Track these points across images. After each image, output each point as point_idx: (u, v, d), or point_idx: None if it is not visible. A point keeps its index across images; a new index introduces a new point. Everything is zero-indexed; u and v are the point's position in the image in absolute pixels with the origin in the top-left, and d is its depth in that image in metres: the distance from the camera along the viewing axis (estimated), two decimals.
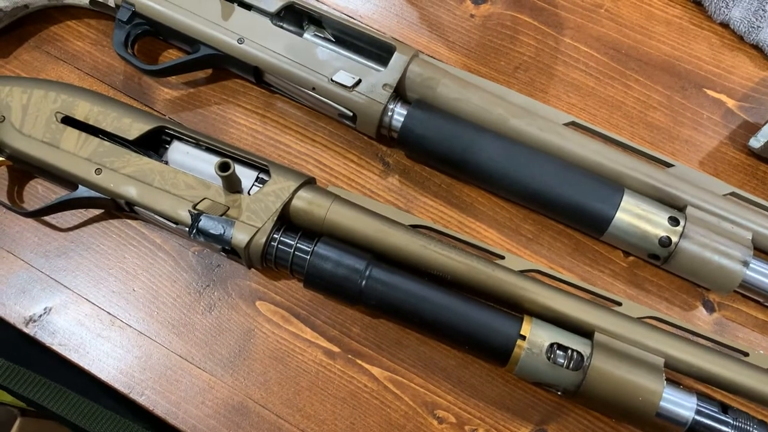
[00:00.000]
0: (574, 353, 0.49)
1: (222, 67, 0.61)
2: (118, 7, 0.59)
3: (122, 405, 0.62)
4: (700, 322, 0.56)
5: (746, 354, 0.51)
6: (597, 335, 0.50)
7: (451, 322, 0.51)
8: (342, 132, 0.60)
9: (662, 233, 0.53)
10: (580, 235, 0.58)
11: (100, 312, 0.55)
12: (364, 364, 0.54)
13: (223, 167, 0.50)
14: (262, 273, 0.56)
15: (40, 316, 0.55)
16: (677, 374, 0.51)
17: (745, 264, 0.52)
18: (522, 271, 0.53)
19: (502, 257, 0.54)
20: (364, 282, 0.51)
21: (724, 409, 0.49)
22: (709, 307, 0.56)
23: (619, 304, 0.53)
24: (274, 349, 0.54)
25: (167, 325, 0.55)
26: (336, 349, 0.55)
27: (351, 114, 0.57)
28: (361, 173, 0.60)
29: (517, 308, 0.52)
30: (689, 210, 0.54)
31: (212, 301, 0.56)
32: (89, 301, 0.56)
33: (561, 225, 0.58)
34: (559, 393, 0.51)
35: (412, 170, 0.60)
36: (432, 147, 0.56)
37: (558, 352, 0.49)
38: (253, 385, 0.54)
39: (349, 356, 0.54)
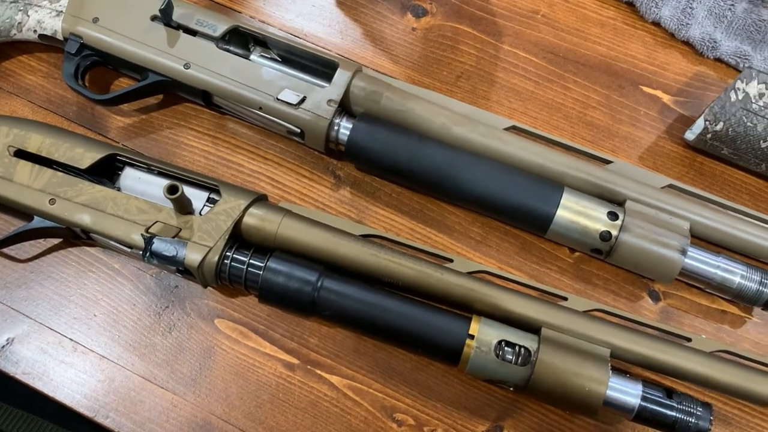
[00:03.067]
0: (522, 349, 0.51)
1: (172, 92, 0.63)
2: (66, 40, 0.61)
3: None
4: (647, 311, 0.57)
5: (689, 339, 0.53)
6: (544, 330, 0.52)
7: (403, 326, 0.52)
8: (293, 149, 0.62)
9: (602, 228, 0.55)
10: (526, 234, 0.59)
11: (62, 339, 0.56)
12: (323, 374, 0.56)
13: (171, 190, 0.51)
14: (219, 291, 0.58)
15: (3, 346, 0.56)
16: (625, 363, 0.52)
17: (684, 252, 0.54)
18: (470, 273, 0.55)
19: (451, 260, 0.55)
20: (316, 293, 0.52)
21: (669, 393, 0.50)
22: (655, 297, 0.58)
23: (565, 299, 0.54)
24: (235, 365, 0.56)
25: (128, 347, 0.56)
26: (295, 360, 0.56)
27: (299, 131, 0.59)
28: (313, 187, 0.61)
29: (467, 309, 0.53)
30: (628, 204, 0.56)
31: (172, 321, 0.57)
32: (51, 329, 0.57)
33: (508, 226, 0.60)
34: (511, 389, 0.52)
35: (362, 182, 0.61)
36: (378, 158, 0.58)
37: (506, 348, 0.51)
38: (215, 401, 0.55)
39: (308, 367, 0.56)
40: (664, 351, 0.52)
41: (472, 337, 0.51)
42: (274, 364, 0.56)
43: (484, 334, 0.51)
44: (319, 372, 0.56)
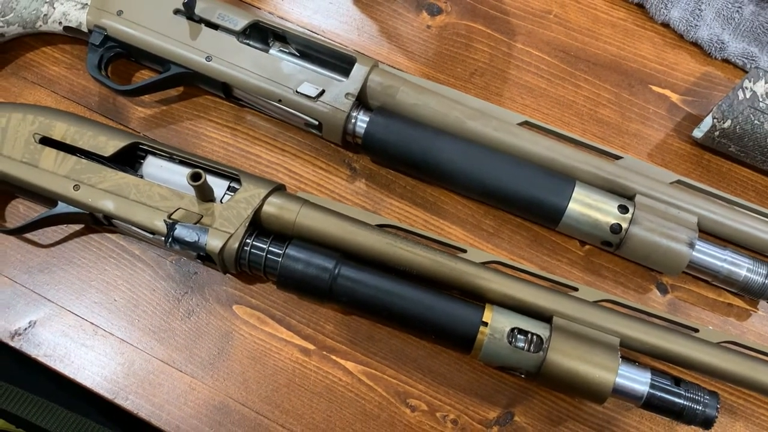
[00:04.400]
0: (534, 336, 0.52)
1: (192, 84, 0.64)
2: (90, 32, 0.62)
3: (111, 420, 0.64)
4: (655, 303, 0.59)
5: (696, 330, 0.55)
6: (555, 319, 0.53)
7: (418, 313, 0.53)
8: (310, 141, 0.63)
9: (613, 221, 0.56)
10: (537, 227, 0.61)
11: (83, 322, 0.58)
12: (338, 360, 0.57)
13: (195, 177, 0.52)
14: (237, 278, 0.59)
15: (25, 329, 0.57)
16: (633, 353, 0.54)
17: (692, 246, 0.55)
18: (483, 263, 0.56)
19: (464, 251, 0.57)
20: (333, 280, 0.54)
21: (677, 382, 0.52)
22: (663, 289, 0.59)
23: (576, 289, 0.56)
24: (252, 350, 0.57)
25: (148, 332, 0.57)
26: (311, 346, 0.57)
27: (317, 123, 0.60)
28: (329, 179, 0.63)
29: (480, 298, 0.54)
30: (638, 198, 0.57)
31: (191, 306, 0.58)
32: (72, 312, 0.58)
33: (519, 219, 0.61)
34: (522, 376, 0.54)
35: (378, 174, 0.63)
36: (394, 151, 0.59)
37: (519, 336, 0.52)
38: (232, 385, 0.56)
39: (324, 353, 0.57)
40: (672, 341, 0.53)
41: (485, 324, 0.52)
42: (290, 349, 0.57)
43: (497, 322, 0.52)
44: (334, 358, 0.57)
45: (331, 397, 0.56)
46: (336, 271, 0.54)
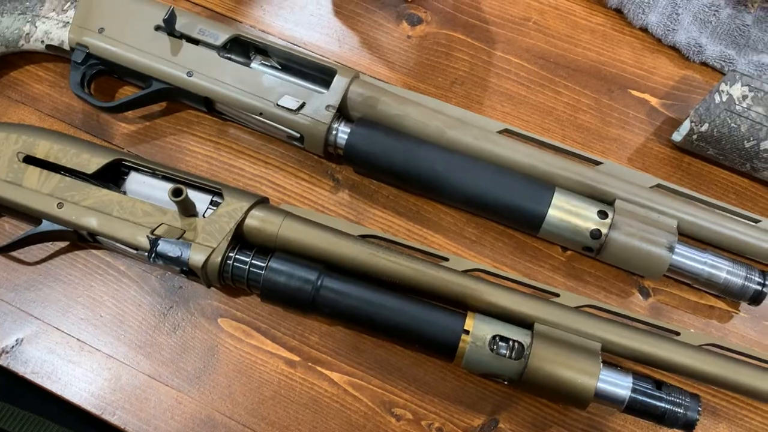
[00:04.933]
0: (516, 344, 0.53)
1: (175, 99, 0.64)
2: (72, 50, 0.63)
3: None
4: (637, 307, 0.59)
5: (678, 333, 0.55)
6: (537, 325, 0.54)
7: (400, 323, 0.54)
8: (293, 153, 0.64)
9: (592, 226, 0.56)
10: (519, 234, 0.61)
11: (69, 339, 0.58)
12: (323, 370, 0.57)
13: (176, 193, 0.53)
14: (222, 291, 0.59)
15: (12, 347, 0.58)
16: (616, 357, 0.54)
17: (671, 249, 0.56)
18: (465, 271, 0.57)
19: (447, 259, 0.57)
20: (316, 292, 0.54)
21: (658, 385, 0.52)
22: (645, 293, 0.60)
23: (557, 295, 0.56)
24: (238, 363, 0.57)
25: (134, 347, 0.58)
26: (296, 358, 0.58)
27: (298, 135, 0.61)
28: (312, 190, 0.63)
29: (462, 306, 0.55)
30: (618, 203, 0.58)
31: (176, 321, 0.59)
32: (59, 329, 0.58)
33: (501, 226, 0.61)
34: (505, 382, 0.54)
35: (360, 184, 0.63)
36: (375, 161, 0.60)
37: (500, 343, 0.53)
38: (219, 398, 0.56)
39: (309, 364, 0.57)
40: (653, 344, 0.54)
41: (467, 332, 0.53)
42: (276, 361, 0.57)
43: (478, 330, 0.53)
44: (319, 369, 0.57)
45: (317, 408, 0.56)
46: (319, 282, 0.54)
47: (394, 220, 0.62)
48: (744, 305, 0.59)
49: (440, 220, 0.62)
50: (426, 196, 0.63)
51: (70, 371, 0.57)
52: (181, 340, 0.58)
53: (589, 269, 0.60)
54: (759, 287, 0.56)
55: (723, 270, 0.56)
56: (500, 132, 0.61)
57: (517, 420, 0.56)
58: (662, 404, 0.51)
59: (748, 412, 0.56)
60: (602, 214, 0.57)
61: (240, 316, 0.59)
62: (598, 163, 0.60)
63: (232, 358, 0.57)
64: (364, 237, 0.58)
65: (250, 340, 0.58)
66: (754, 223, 0.59)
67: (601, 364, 0.52)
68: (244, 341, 0.58)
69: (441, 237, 0.62)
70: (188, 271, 0.55)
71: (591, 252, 0.58)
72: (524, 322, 0.54)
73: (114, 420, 0.56)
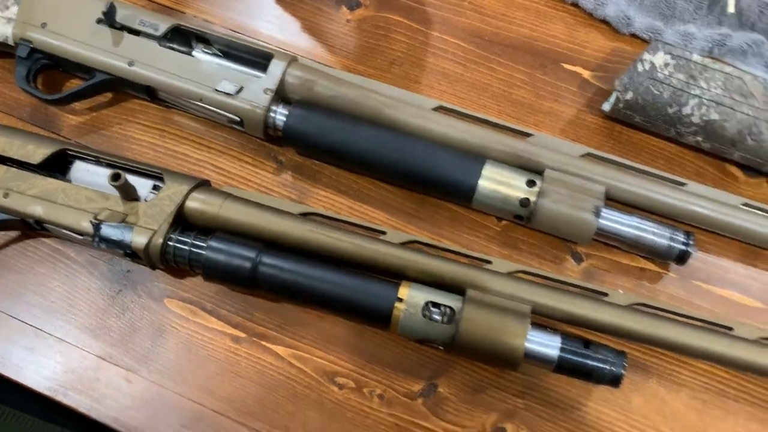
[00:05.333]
0: (448, 309, 0.54)
1: (119, 89, 0.66)
2: (17, 45, 0.64)
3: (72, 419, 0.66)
4: (570, 272, 0.61)
5: (606, 294, 0.57)
6: (469, 291, 0.55)
7: (338, 294, 0.56)
8: (236, 137, 0.66)
9: (522, 195, 0.58)
10: (456, 207, 0.63)
11: (21, 325, 0.60)
12: (268, 345, 0.59)
13: (115, 177, 0.55)
14: (168, 273, 0.61)
15: None
16: (548, 320, 0.56)
17: (597, 214, 0.57)
18: (402, 243, 0.59)
19: (384, 233, 0.59)
20: (255, 268, 0.56)
21: (586, 344, 0.54)
22: (578, 258, 0.62)
23: (489, 262, 0.58)
24: (185, 341, 0.59)
25: (85, 330, 0.59)
26: (242, 334, 0.59)
27: (238, 119, 0.62)
28: (256, 173, 0.65)
29: (400, 277, 0.57)
30: (547, 172, 0.60)
31: (125, 303, 0.60)
32: (11, 316, 0.60)
33: (439, 200, 0.63)
34: (441, 347, 0.56)
35: (303, 165, 0.65)
36: (314, 141, 0.62)
37: (433, 309, 0.54)
38: (167, 375, 0.58)
39: (254, 339, 0.59)
40: (582, 306, 0.56)
41: (401, 300, 0.55)
42: (222, 338, 0.59)
43: (412, 297, 0.55)
44: (264, 344, 0.59)
45: (263, 381, 0.58)
46: (258, 259, 0.56)
47: (337, 198, 0.64)
48: (673, 266, 0.61)
49: (381, 197, 0.64)
50: (366, 174, 0.64)
51: (23, 356, 0.59)
52: (129, 322, 0.60)
53: (523, 237, 0.62)
54: (683, 247, 0.57)
55: (649, 232, 0.58)
56: (435, 109, 0.63)
57: (455, 383, 0.58)
58: (590, 362, 0.53)
59: (677, 367, 0.58)
60: (531, 183, 0.59)
61: (186, 297, 0.60)
62: (528, 135, 0.62)
63: (180, 337, 0.59)
64: (304, 215, 0.60)
65: (196, 319, 0.60)
66: (680, 186, 0.61)
67: (530, 326, 0.54)
68: (190, 320, 0.60)
69: (382, 213, 0.63)
70: (132, 253, 0.57)
71: (522, 220, 0.60)
72: (458, 289, 0.56)
73: (66, 401, 0.58)
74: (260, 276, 0.56)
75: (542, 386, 0.58)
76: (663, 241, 0.58)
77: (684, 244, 0.58)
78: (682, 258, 0.58)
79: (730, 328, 0.56)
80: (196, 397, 0.58)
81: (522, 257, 0.62)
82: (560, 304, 0.56)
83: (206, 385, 0.58)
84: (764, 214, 0.60)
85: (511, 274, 0.58)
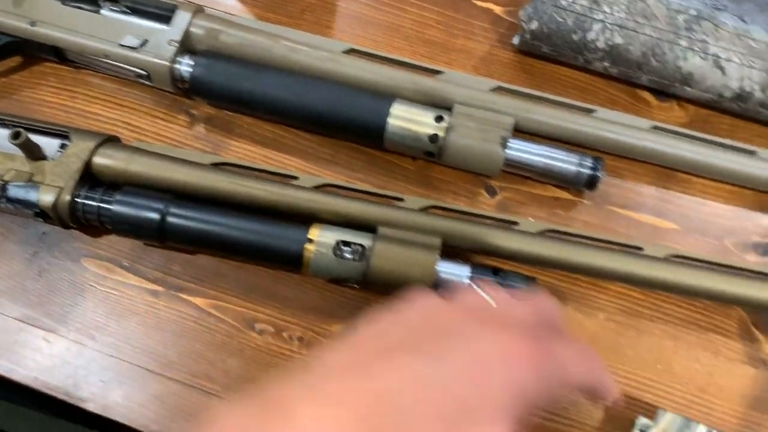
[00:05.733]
0: (359, 247, 0.55)
1: (27, 52, 0.65)
2: None
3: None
4: (485, 206, 0.61)
5: (516, 223, 0.57)
6: (380, 229, 0.56)
7: (249, 241, 0.55)
8: (148, 94, 0.65)
9: (430, 131, 0.58)
10: (372, 149, 0.63)
11: None
12: (187, 297, 0.59)
13: (15, 135, 0.54)
14: (84, 233, 0.60)
15: None
16: (462, 252, 0.56)
17: (504, 145, 0.58)
18: (315, 187, 0.59)
19: (296, 178, 0.59)
20: (164, 220, 0.55)
21: (495, 272, 0.55)
22: (492, 192, 0.62)
23: (402, 200, 0.58)
24: (104, 299, 0.59)
25: (2, 294, 0.59)
26: (160, 288, 0.59)
27: (145, 73, 0.62)
28: (169, 128, 0.64)
29: (314, 221, 0.57)
30: (455, 107, 0.59)
31: (42, 265, 0.60)
32: None
33: (354, 143, 0.63)
34: (355, 286, 0.56)
35: (216, 117, 0.64)
36: (221, 90, 0.61)
37: (344, 248, 0.55)
38: (87, 334, 0.58)
39: (172, 292, 0.59)
40: (492, 235, 0.56)
41: (311, 241, 0.55)
42: (140, 293, 0.59)
43: (322, 238, 0.55)
44: (183, 296, 0.59)
45: (182, 332, 0.58)
46: (166, 210, 0.56)
47: (252, 148, 0.64)
48: (587, 194, 0.61)
49: (297, 145, 0.64)
50: (279, 122, 0.64)
51: None
52: (47, 283, 0.59)
53: (438, 175, 0.62)
54: (592, 172, 0.58)
55: (557, 159, 0.58)
56: (346, 52, 0.63)
57: None
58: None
59: (592, 292, 0.58)
60: (439, 119, 0.58)
61: (103, 255, 0.60)
62: (438, 72, 0.62)
63: (98, 295, 0.59)
64: (215, 165, 0.60)
65: (114, 276, 0.60)
66: (588, 113, 0.61)
67: (439, 258, 0.54)
68: (108, 278, 0.59)
69: (299, 160, 0.63)
70: (42, 213, 0.56)
71: (433, 157, 0.60)
72: (371, 229, 0.56)
73: None
74: (169, 227, 0.56)
75: None
76: (571, 168, 0.58)
77: (592, 169, 0.58)
78: (591, 183, 0.58)
79: (640, 248, 0.56)
80: (117, 352, 0.58)
81: (438, 194, 0.62)
82: (470, 234, 0.56)
83: (127, 340, 0.58)
84: (674, 135, 0.60)
85: (422, 210, 0.58)
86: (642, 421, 0.53)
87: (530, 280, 0.54)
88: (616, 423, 0.55)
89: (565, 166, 0.58)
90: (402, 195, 0.58)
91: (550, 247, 0.56)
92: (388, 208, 0.57)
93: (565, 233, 0.57)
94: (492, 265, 0.55)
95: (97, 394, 0.57)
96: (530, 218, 0.60)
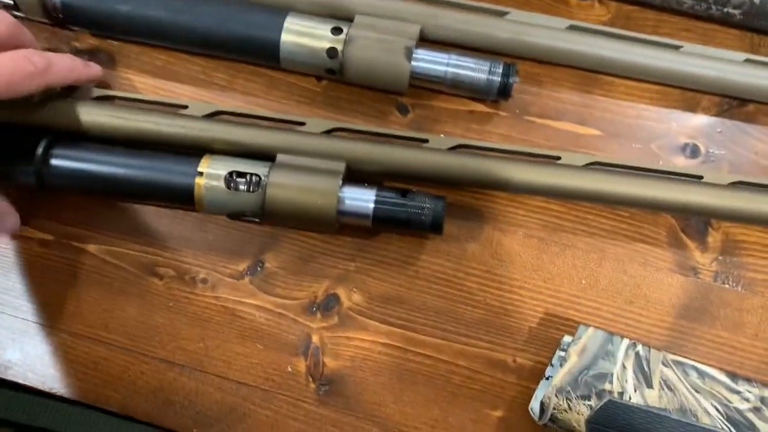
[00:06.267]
0: (253, 176, 0.50)
1: None
2: None
3: None
4: (397, 125, 0.57)
5: (426, 140, 0.53)
6: (278, 156, 0.51)
7: (137, 178, 0.51)
8: (33, 30, 0.58)
9: (327, 45, 0.53)
10: (271, 71, 0.58)
11: None
12: (78, 245, 0.55)
13: None
14: None
15: None
16: (370, 177, 0.52)
17: (409, 56, 0.53)
18: (206, 116, 0.54)
19: (185, 107, 0.54)
20: (44, 162, 0.51)
21: (404, 193, 0.51)
22: (403, 110, 0.57)
23: (303, 123, 0.54)
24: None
25: None
26: (50, 237, 0.55)
27: (11, 2, 0.55)
28: None
29: (208, 152, 0.52)
30: (357, 18, 0.54)
31: None
32: None
33: (253, 65, 0.58)
34: (256, 220, 0.52)
35: (100, 48, 0.59)
36: (97, 16, 0.55)
37: (238, 179, 0.50)
38: None
39: (63, 241, 0.55)
40: (398, 155, 0.52)
41: (201, 174, 0.50)
42: (28, 244, 0.55)
43: (213, 169, 0.51)
44: (75, 244, 0.55)
45: (75, 281, 0.54)
46: (44, 153, 0.51)
47: (141, 79, 0.58)
48: (504, 105, 0.57)
49: (188, 71, 0.58)
50: (168, 47, 0.58)
51: None
52: None
53: (345, 96, 0.57)
54: (503, 79, 0.53)
55: (466, 68, 0.54)
56: None
57: (283, 257, 0.54)
58: (407, 209, 0.50)
59: (510, 209, 0.55)
60: (336, 31, 0.53)
61: None
62: None
63: None
64: (97, 99, 0.54)
65: None
66: (501, 16, 0.56)
67: (342, 183, 0.50)
68: None
69: (190, 88, 0.58)
70: None
71: (335, 74, 0.55)
72: (270, 157, 0.52)
73: None
74: (48, 171, 0.51)
75: (373, 246, 0.54)
76: (481, 76, 0.53)
77: (504, 75, 0.53)
78: (504, 91, 0.54)
79: (558, 158, 0.53)
80: (6, 308, 0.54)
81: (346, 116, 0.57)
82: (376, 156, 0.52)
83: (17, 295, 0.54)
84: (593, 34, 0.56)
85: (325, 133, 0.53)
86: (565, 339, 0.50)
87: (439, 199, 0.50)
88: (541, 343, 0.53)
89: (474, 74, 0.54)
90: (304, 118, 0.53)
91: (461, 163, 0.52)
92: (287, 134, 0.53)
93: (477, 147, 0.53)
94: (400, 187, 0.51)
95: None
96: (442, 135, 0.56)
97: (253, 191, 0.50)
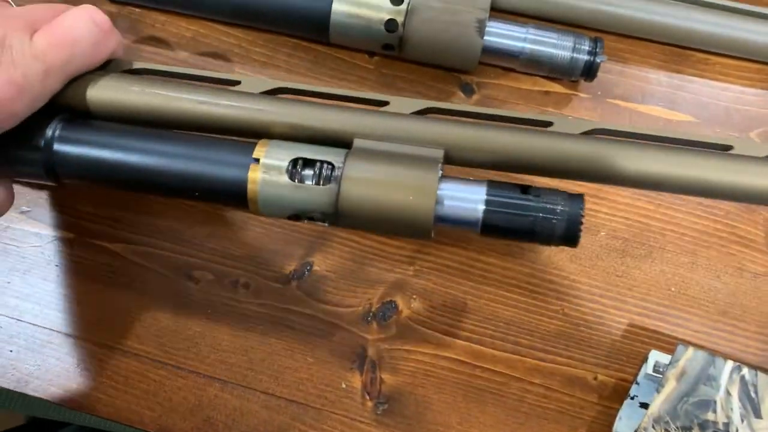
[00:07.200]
0: (324, 165, 0.40)
1: None
2: None
3: None
4: None
5: (550, 123, 0.42)
6: (356, 141, 0.42)
7: (173, 170, 0.42)
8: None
9: (386, 16, 0.46)
10: (318, 46, 0.51)
11: None
12: (103, 244, 0.49)
13: None
14: None
15: None
16: (474, 170, 0.43)
17: (481, 30, 0.46)
18: (263, 93, 0.46)
19: (238, 82, 0.46)
20: (52, 148, 0.43)
21: (525, 190, 0.39)
22: (468, 90, 0.50)
23: (387, 103, 0.44)
24: (18, 255, 0.48)
25: None
26: (72, 235, 0.49)
27: None
28: None
29: (266, 136, 0.44)
30: None
31: None
32: None
33: (292, 39, 0.51)
34: (325, 224, 0.42)
35: (121, 15, 0.52)
36: None
37: (305, 172, 0.41)
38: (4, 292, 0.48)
39: (87, 239, 0.49)
40: (520, 141, 0.41)
41: (257, 161, 0.41)
42: (46, 243, 0.49)
43: (272, 156, 0.41)
44: (98, 242, 0.49)
45: (102, 286, 0.48)
46: (53, 135, 0.43)
47: (167, 52, 0.51)
48: (584, 85, 0.50)
49: (221, 44, 0.51)
50: (198, 16, 0.51)
51: None
52: None
53: (401, 74, 0.50)
54: (590, 57, 0.46)
55: (547, 44, 0.47)
56: None
57: (333, 259, 0.48)
58: (530, 213, 0.38)
59: (593, 204, 0.49)
60: (397, 1, 0.46)
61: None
62: None
63: (9, 251, 0.49)
64: (128, 72, 0.47)
65: (12, 225, 0.49)
66: None
67: (441, 176, 0.40)
68: (7, 227, 0.49)
69: (224, 63, 0.51)
70: None
71: (393, 50, 0.48)
72: (343, 142, 0.42)
73: None
74: (59, 158, 0.43)
75: (434, 248, 0.48)
76: (564, 53, 0.47)
77: (590, 53, 0.46)
78: (590, 71, 0.47)
79: (730, 147, 0.40)
80: (25, 316, 0.48)
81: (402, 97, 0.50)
82: (485, 142, 0.41)
83: (36, 300, 0.48)
84: (686, 4, 0.49)
85: (416, 114, 0.43)
86: (655, 356, 0.45)
87: (577, 198, 0.39)
88: (624, 358, 0.47)
89: (556, 51, 0.47)
90: (387, 97, 0.44)
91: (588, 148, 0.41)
92: (366, 115, 0.43)
93: (613, 131, 0.42)
94: (521, 183, 0.40)
95: (7, 366, 0.47)
96: (570, 117, 0.47)
97: (324, 185, 0.41)
